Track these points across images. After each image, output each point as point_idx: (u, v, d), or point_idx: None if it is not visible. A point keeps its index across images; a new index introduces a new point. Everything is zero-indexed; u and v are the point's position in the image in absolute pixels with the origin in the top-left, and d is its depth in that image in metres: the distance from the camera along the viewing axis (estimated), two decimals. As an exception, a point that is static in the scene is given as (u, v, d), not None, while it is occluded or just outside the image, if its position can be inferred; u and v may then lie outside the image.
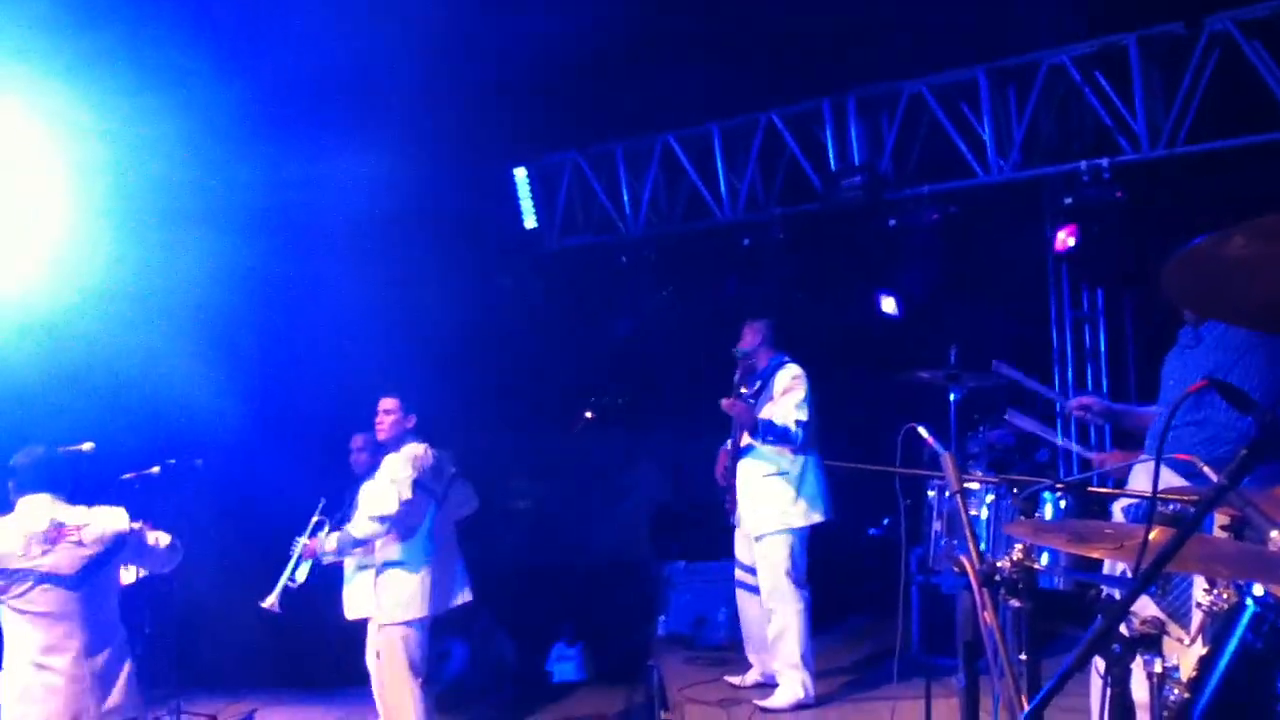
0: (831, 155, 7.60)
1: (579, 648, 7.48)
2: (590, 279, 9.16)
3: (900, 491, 4.69)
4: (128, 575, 6.02)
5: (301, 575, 5.42)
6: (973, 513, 4.59)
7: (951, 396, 4.91)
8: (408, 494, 5.05)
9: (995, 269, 7.73)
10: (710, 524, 6.39)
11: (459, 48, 6.93)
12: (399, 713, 5.08)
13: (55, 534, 4.08)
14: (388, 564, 5.14)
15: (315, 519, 5.49)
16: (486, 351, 8.79)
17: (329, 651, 6.72)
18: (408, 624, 5.08)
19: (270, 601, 5.36)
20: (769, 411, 5.27)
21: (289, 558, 5.44)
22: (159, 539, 4.54)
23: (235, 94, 6.49)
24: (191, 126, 6.49)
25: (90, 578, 4.12)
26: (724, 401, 5.29)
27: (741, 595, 5.72)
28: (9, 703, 3.91)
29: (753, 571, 5.56)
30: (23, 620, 3.97)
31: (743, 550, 5.66)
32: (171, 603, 6.44)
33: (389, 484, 5.07)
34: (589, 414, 10.13)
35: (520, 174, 8.69)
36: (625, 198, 8.46)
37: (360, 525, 5.08)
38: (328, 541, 5.24)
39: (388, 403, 5.28)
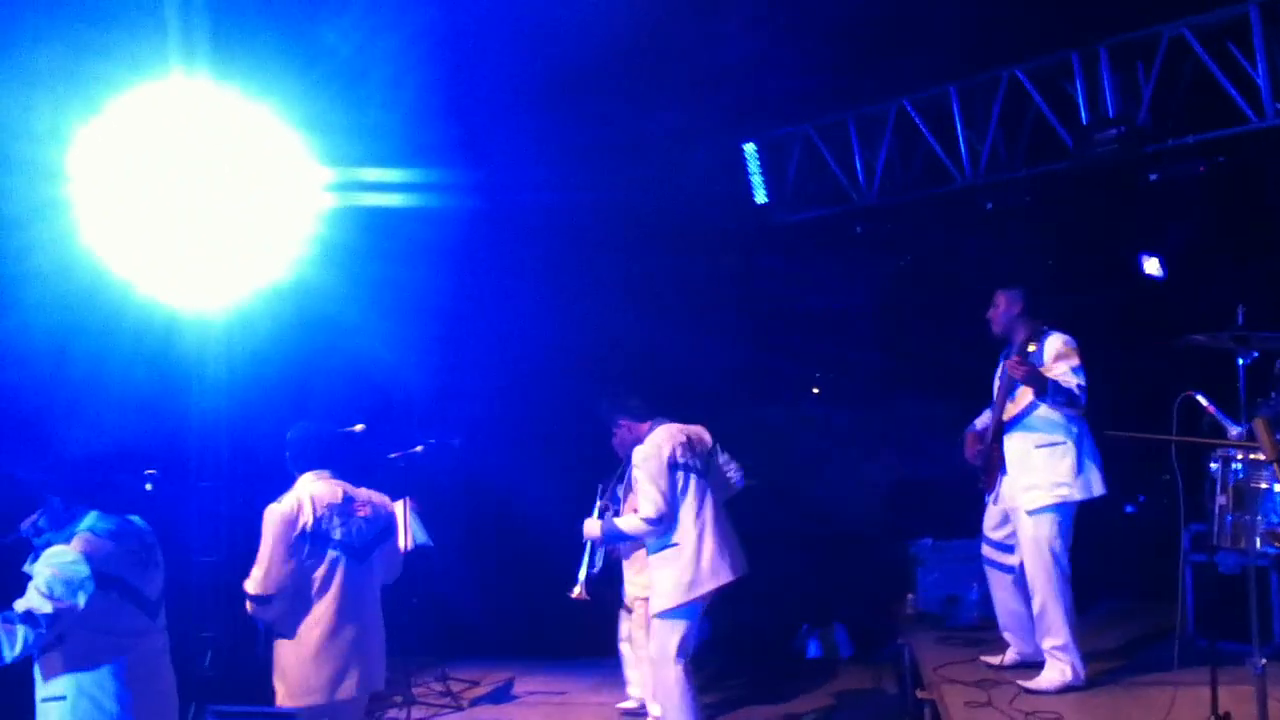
0: (1082, 109, 7.13)
1: (828, 626, 7.42)
2: (823, 251, 9.01)
3: (1177, 464, 4.41)
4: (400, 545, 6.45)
5: (600, 560, 5.51)
6: (1263, 485, 4.24)
7: (1240, 361, 4.47)
8: (664, 484, 4.99)
9: (1273, 221, 7.05)
10: (956, 500, 6.18)
11: (685, 26, 6.94)
12: (664, 692, 5.06)
13: (347, 508, 4.32)
14: (658, 547, 5.06)
15: (599, 504, 5.50)
16: (719, 329, 8.83)
17: (580, 625, 6.93)
18: (677, 608, 5.00)
19: (578, 592, 5.45)
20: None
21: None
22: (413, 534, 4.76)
23: (458, 83, 6.74)
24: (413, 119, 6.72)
25: (370, 553, 4.37)
26: (1008, 361, 4.99)
27: (994, 574, 5.49)
28: (294, 664, 4.15)
29: (1007, 549, 5.33)
30: (310, 587, 4.18)
31: (995, 527, 5.43)
32: (436, 575, 6.83)
33: (647, 483, 5.01)
34: (815, 390, 9.99)
35: (750, 149, 8.63)
36: (858, 166, 8.25)
37: (629, 521, 5.07)
38: (592, 526, 5.24)
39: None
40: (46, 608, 3.27)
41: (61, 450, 3.73)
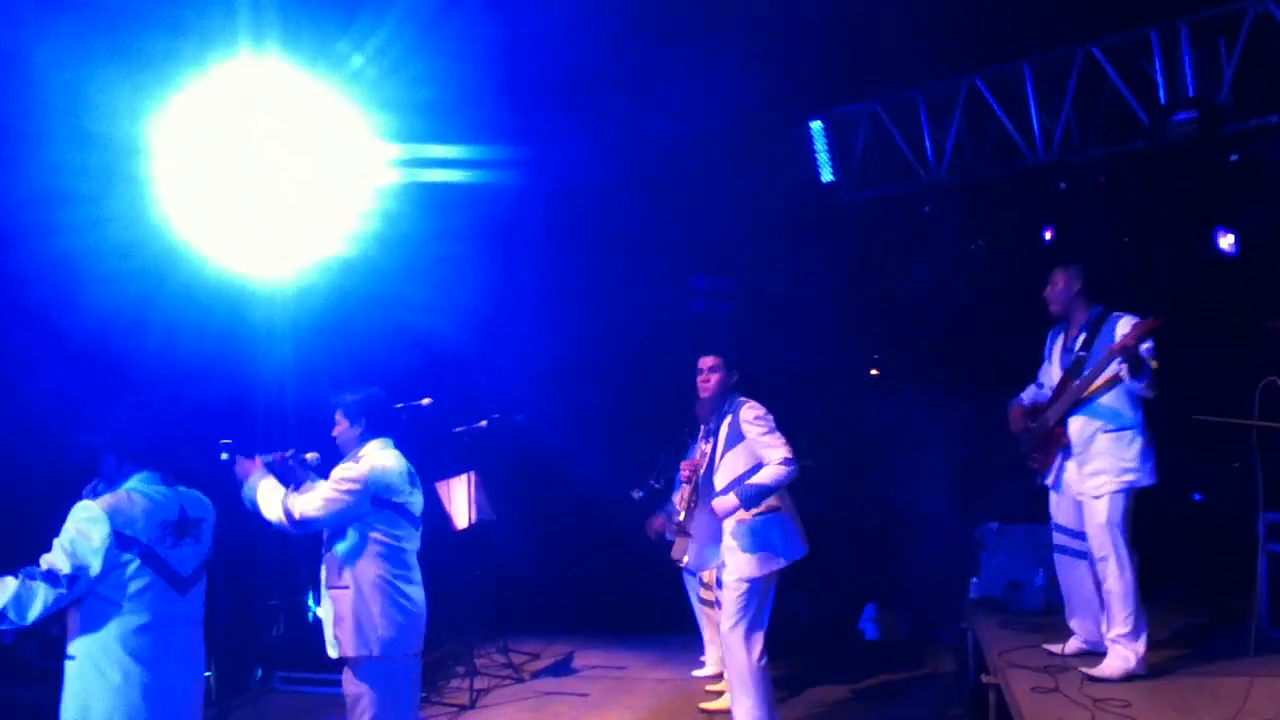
0: (1160, 88, 6.95)
1: (888, 609, 7.38)
2: (890, 231, 8.90)
3: (1257, 451, 4.29)
4: (461, 521, 6.53)
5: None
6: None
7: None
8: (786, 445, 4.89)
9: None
10: (1021, 484, 6.08)
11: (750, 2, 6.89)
12: (737, 663, 5.02)
13: (414, 478, 4.42)
14: (746, 518, 5.00)
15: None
16: (780, 307, 8.79)
17: (641, 600, 6.98)
18: (756, 580, 4.97)
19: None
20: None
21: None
22: None
23: (519, 58, 6.73)
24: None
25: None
26: (1125, 338, 4.74)
27: (1063, 560, 5.42)
28: (372, 616, 4.19)
29: (1077, 535, 5.25)
30: (386, 546, 4.24)
31: (1062, 513, 5.35)
32: (498, 549, 6.90)
33: (770, 434, 4.91)
34: (874, 371, 9.89)
35: (816, 127, 8.54)
36: (927, 145, 8.14)
37: (769, 472, 4.84)
38: (727, 501, 4.91)
39: (707, 360, 5.17)
40: (66, 567, 3.21)
41: (121, 412, 3.64)
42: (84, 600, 3.30)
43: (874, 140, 8.48)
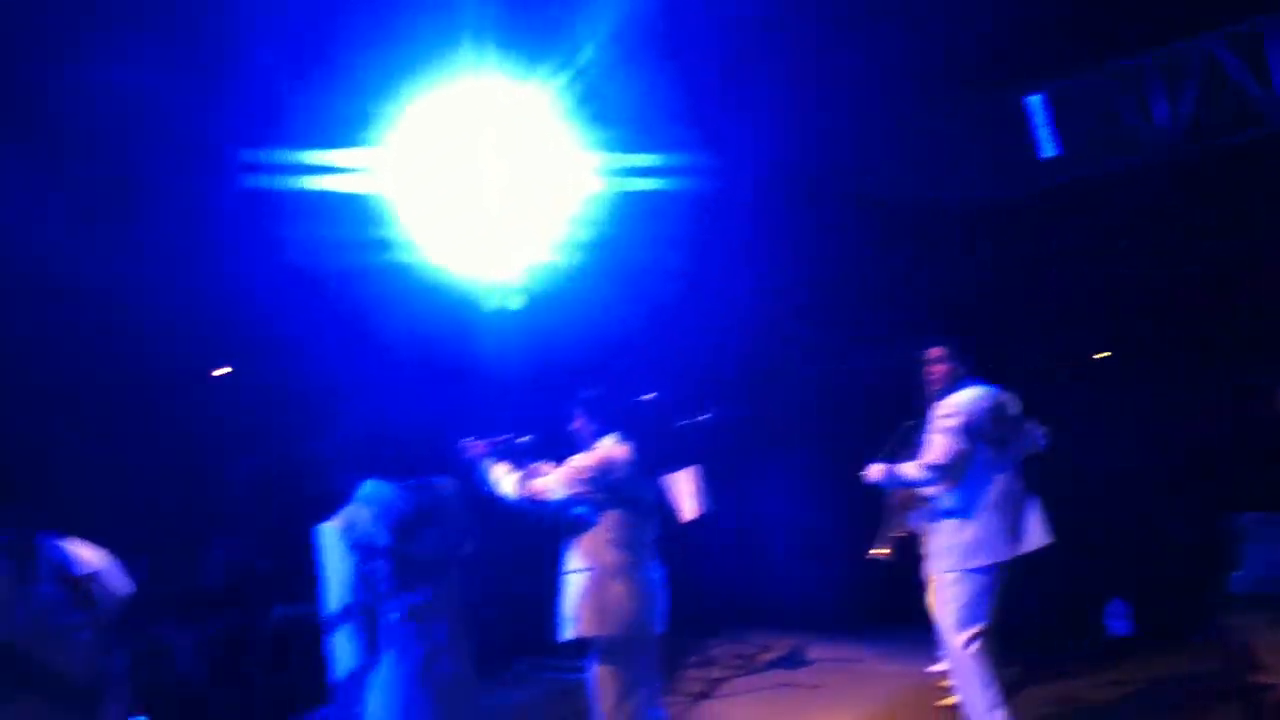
0: None
1: (1136, 604, 6.96)
2: (1114, 208, 8.42)
3: None
4: (687, 513, 6.60)
5: (899, 520, 5.46)
6: None
7: None
8: (957, 443, 4.85)
9: None
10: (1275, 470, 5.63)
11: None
12: (954, 659, 4.98)
13: (646, 470, 4.62)
14: (941, 512, 4.99)
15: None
16: (1002, 292, 8.45)
17: (873, 593, 6.82)
18: (957, 574, 4.89)
19: (877, 550, 5.48)
20: None
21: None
22: None
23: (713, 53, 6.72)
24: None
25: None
26: None
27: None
28: (612, 598, 4.37)
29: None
30: (622, 533, 4.45)
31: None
32: (725, 541, 6.92)
33: (940, 433, 4.90)
34: (1103, 354, 9.35)
35: (1034, 101, 8.15)
36: (1156, 114, 7.63)
37: (910, 467, 4.95)
38: (876, 469, 5.07)
39: (934, 350, 5.10)
40: (333, 604, 3.41)
41: (347, 426, 3.81)
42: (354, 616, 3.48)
43: (1097, 112, 8.01)
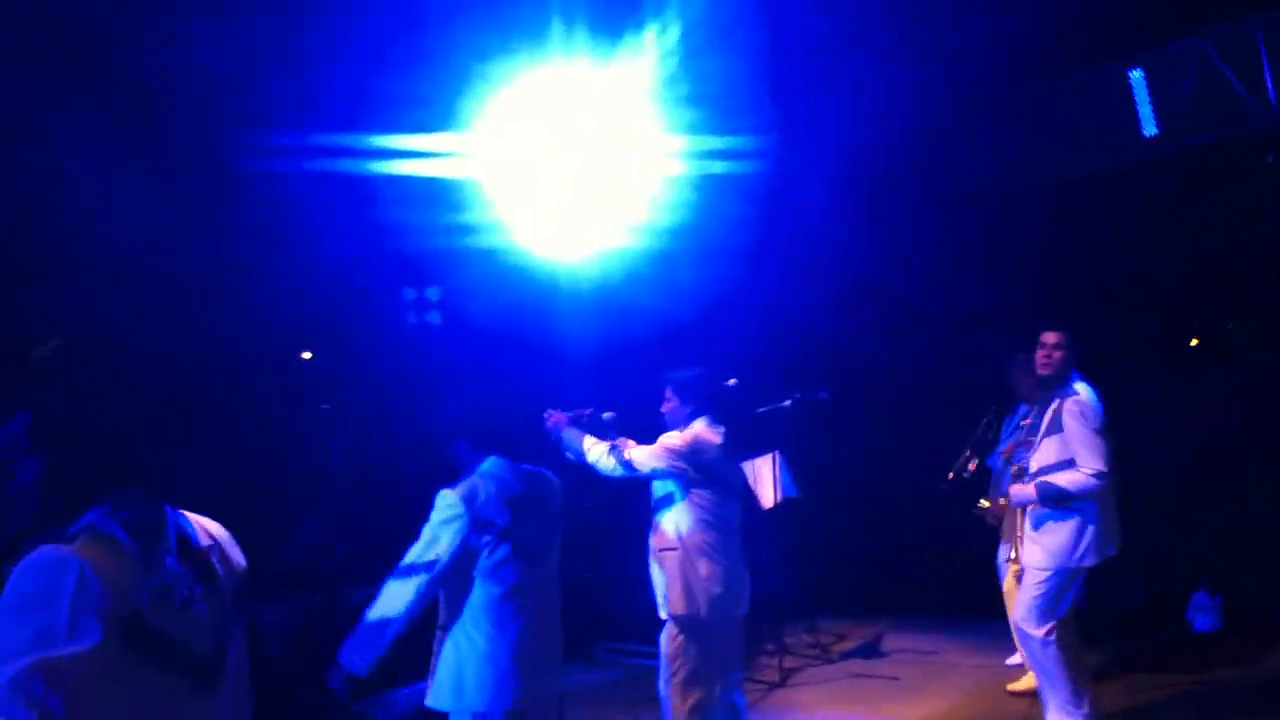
0: None
1: (1220, 599, 6.79)
2: (1221, 183, 8.11)
3: None
4: (767, 500, 6.59)
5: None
6: None
7: None
8: (1105, 443, 4.70)
9: None
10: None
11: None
12: (1033, 652, 4.94)
13: (733, 454, 4.71)
14: (1058, 512, 4.84)
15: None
16: (1097, 275, 8.23)
17: (950, 583, 6.77)
18: (1060, 570, 4.82)
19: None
20: None
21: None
22: None
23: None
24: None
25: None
26: None
27: None
28: (699, 577, 4.44)
29: None
30: (710, 514, 4.49)
31: None
32: (803, 528, 6.91)
33: (1093, 436, 4.72)
34: (1195, 341, 9.04)
35: (1135, 75, 7.88)
36: (1269, 83, 7.30)
37: (1070, 477, 4.73)
38: (1025, 489, 4.89)
39: (1052, 336, 4.94)
40: (429, 554, 3.45)
41: (466, 398, 3.85)
42: (449, 580, 3.54)
43: (1203, 83, 7.69)
